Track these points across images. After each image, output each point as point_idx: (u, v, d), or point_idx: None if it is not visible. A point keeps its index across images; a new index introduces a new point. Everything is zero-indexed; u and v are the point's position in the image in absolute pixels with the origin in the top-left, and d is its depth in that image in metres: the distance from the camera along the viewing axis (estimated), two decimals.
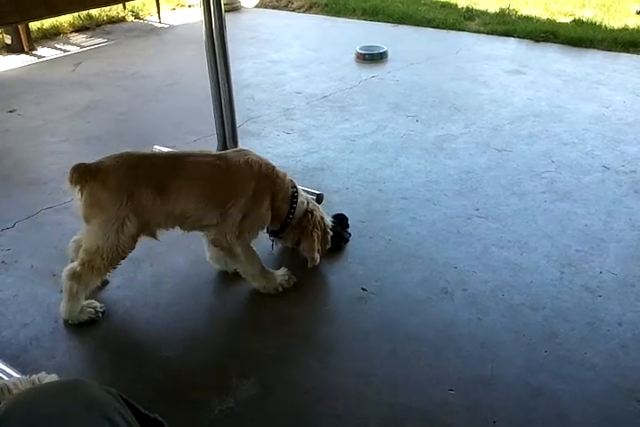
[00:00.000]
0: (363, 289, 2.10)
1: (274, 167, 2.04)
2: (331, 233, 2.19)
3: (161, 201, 1.83)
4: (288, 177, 2.09)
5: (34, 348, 1.86)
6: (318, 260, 2.12)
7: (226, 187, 1.92)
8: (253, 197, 1.94)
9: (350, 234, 2.36)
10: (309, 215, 2.11)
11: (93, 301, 1.98)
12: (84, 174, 1.78)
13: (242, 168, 1.94)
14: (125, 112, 3.66)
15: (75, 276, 1.86)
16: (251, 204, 1.93)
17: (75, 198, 1.83)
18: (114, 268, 1.91)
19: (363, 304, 2.04)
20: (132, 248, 1.88)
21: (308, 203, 2.14)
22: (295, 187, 2.10)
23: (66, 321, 1.94)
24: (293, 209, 2.08)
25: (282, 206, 2.06)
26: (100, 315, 1.97)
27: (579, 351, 1.82)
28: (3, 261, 2.28)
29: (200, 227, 1.96)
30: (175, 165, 1.90)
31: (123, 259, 1.89)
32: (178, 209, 1.86)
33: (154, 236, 1.93)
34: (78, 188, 1.79)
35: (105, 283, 2.11)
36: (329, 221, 2.20)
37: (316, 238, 2.10)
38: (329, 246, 2.21)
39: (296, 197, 2.08)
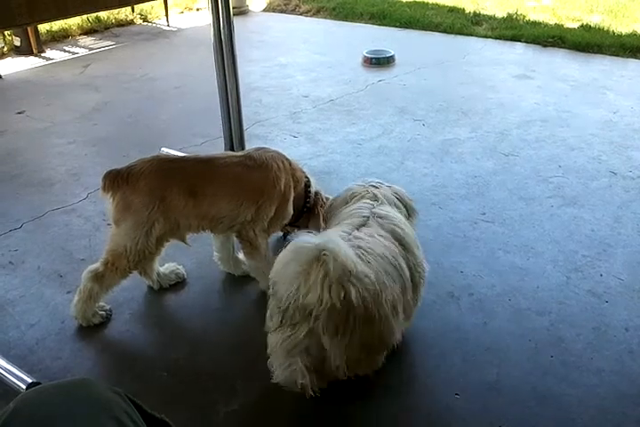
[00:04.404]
0: None
1: (290, 161, 2.05)
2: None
3: (193, 204, 1.84)
4: (299, 165, 2.12)
5: (40, 348, 1.87)
6: None
7: (259, 184, 1.93)
8: (284, 191, 1.96)
9: None
10: (319, 196, 2.15)
11: (104, 304, 1.99)
12: (115, 180, 1.81)
13: (270, 165, 1.95)
14: (133, 114, 3.68)
15: (97, 277, 1.86)
16: (281, 198, 1.96)
17: (107, 202, 1.85)
18: (136, 269, 1.92)
19: None
20: (159, 250, 1.91)
21: (314, 186, 2.17)
22: (307, 176, 2.13)
23: (74, 321, 1.94)
24: (309, 197, 2.11)
25: (300, 195, 2.09)
26: (109, 317, 1.99)
27: (585, 356, 1.81)
28: (10, 262, 2.29)
29: (232, 226, 1.96)
30: (206, 168, 1.92)
31: (147, 261, 1.92)
32: (212, 211, 1.88)
33: (183, 240, 1.95)
34: (110, 193, 1.82)
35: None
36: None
37: (321, 215, 2.13)
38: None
39: (309, 186, 2.11)
